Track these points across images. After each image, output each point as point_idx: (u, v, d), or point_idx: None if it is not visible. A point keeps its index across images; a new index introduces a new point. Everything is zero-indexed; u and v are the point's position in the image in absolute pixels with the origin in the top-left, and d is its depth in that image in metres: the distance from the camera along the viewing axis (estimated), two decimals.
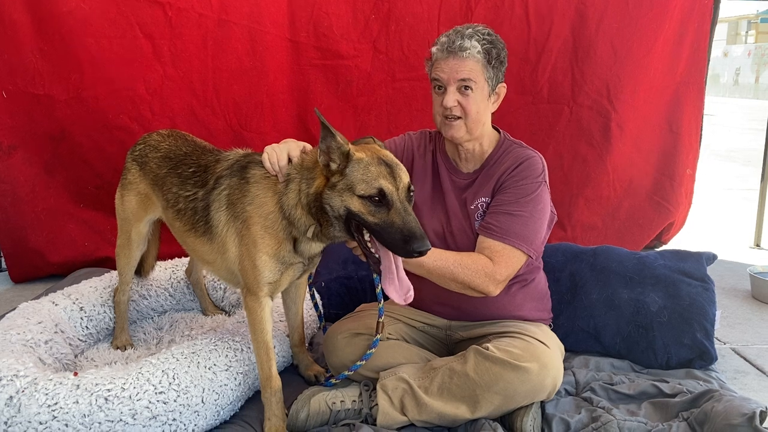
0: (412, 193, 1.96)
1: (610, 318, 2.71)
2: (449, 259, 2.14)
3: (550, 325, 2.47)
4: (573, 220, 4.06)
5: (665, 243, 4.32)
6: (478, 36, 2.21)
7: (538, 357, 2.08)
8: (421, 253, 1.83)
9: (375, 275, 2.21)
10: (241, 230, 2.09)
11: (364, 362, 2.25)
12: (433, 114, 2.31)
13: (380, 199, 1.87)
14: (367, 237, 1.93)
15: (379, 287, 2.23)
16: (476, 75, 2.19)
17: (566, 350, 2.45)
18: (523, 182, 2.23)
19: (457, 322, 2.40)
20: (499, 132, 2.39)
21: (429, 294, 2.33)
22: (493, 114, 2.37)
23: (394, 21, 3.86)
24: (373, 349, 2.25)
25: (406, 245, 1.83)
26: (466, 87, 2.19)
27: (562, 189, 3.96)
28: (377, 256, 1.94)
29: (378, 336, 2.26)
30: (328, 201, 1.92)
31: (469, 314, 2.36)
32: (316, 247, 2.12)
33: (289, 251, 2.08)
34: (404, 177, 1.94)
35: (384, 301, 2.24)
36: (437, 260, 2.13)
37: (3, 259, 3.88)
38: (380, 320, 2.26)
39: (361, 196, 1.88)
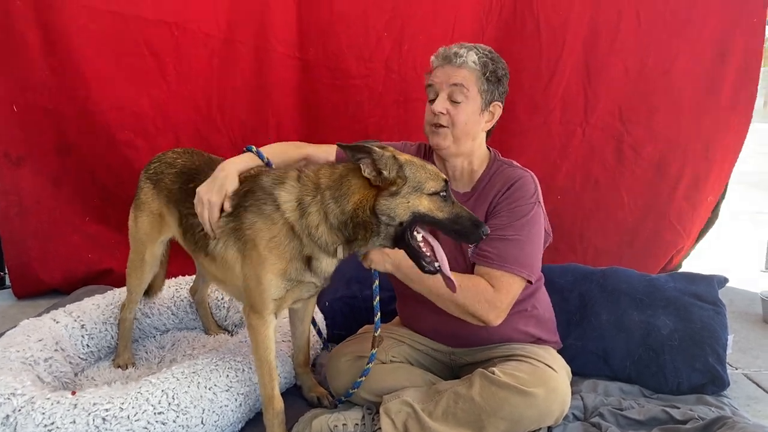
0: None
1: (619, 340, 2.65)
2: None
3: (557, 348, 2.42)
4: (585, 243, 3.99)
5: (674, 266, 4.24)
6: (477, 50, 2.20)
7: (546, 381, 2.02)
8: (486, 234, 1.91)
9: (376, 276, 2.20)
10: (244, 250, 2.05)
11: (363, 378, 2.20)
12: (424, 125, 2.28)
13: (445, 194, 1.89)
14: (419, 238, 1.91)
15: (377, 299, 2.20)
16: (469, 83, 2.17)
17: (574, 373, 2.39)
18: (516, 204, 2.17)
19: (459, 348, 2.35)
20: (490, 151, 2.35)
21: (428, 326, 2.29)
22: (491, 134, 2.33)
23: (407, 39, 3.83)
24: (371, 365, 2.21)
25: (477, 229, 1.89)
26: (458, 97, 2.16)
27: (574, 211, 3.91)
28: (428, 254, 1.92)
29: (374, 351, 2.21)
30: (387, 211, 1.87)
31: (471, 343, 2.31)
32: (333, 265, 2.07)
33: (297, 269, 2.01)
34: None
35: (378, 322, 2.22)
36: (438, 278, 2.08)
37: (7, 276, 3.86)
38: (376, 335, 2.22)
39: (431, 194, 1.87)
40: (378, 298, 2.23)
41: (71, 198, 3.77)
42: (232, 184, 2.09)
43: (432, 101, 2.22)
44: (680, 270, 4.15)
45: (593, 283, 2.83)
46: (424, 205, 1.87)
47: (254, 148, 2.20)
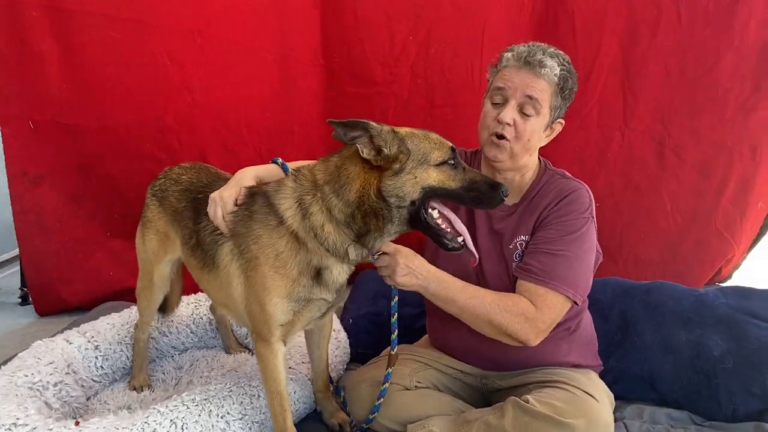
0: None
1: (666, 362, 2.45)
2: (486, 299, 1.92)
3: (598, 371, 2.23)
4: (624, 253, 3.79)
5: (723, 278, 3.99)
6: (559, 59, 2.01)
7: (585, 412, 1.84)
8: (506, 194, 1.80)
9: (395, 293, 2.05)
10: (247, 270, 1.91)
11: (381, 401, 2.07)
12: (479, 128, 2.10)
13: (454, 162, 1.78)
14: (436, 215, 1.78)
15: (395, 316, 2.05)
16: (544, 99, 1.99)
17: (616, 398, 2.21)
18: (567, 218, 2.00)
19: (492, 372, 2.18)
20: (540, 160, 2.18)
21: (458, 346, 2.12)
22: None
23: (433, 43, 3.69)
24: (387, 384, 2.06)
25: (496, 191, 1.78)
26: (528, 110, 1.98)
27: (613, 219, 3.72)
28: (449, 229, 1.81)
29: (389, 370, 2.06)
30: (394, 191, 1.73)
31: (506, 366, 2.13)
32: (344, 273, 1.92)
33: (305, 286, 1.87)
34: None
35: (395, 340, 2.08)
36: (471, 297, 1.92)
37: (29, 292, 3.81)
38: (392, 353, 2.07)
39: (438, 164, 1.74)
40: (396, 315, 2.07)
41: (93, 215, 3.68)
42: (248, 183, 2.00)
43: (496, 105, 2.04)
44: (730, 282, 3.91)
45: (636, 299, 2.64)
46: (433, 177, 1.74)
47: (280, 160, 2.09)
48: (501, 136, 2.01)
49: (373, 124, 1.74)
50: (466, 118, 3.63)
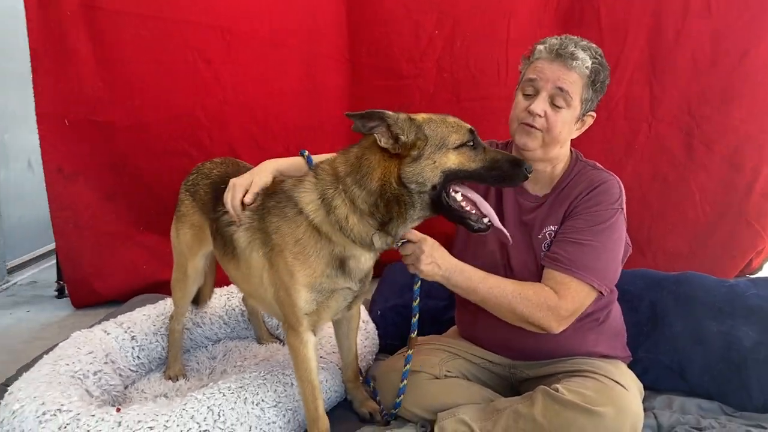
0: None
1: (696, 353, 2.44)
2: (507, 288, 1.95)
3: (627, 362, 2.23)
4: (653, 246, 3.77)
5: (754, 269, 3.95)
6: (591, 51, 2.02)
7: (615, 400, 1.85)
8: (530, 172, 1.80)
9: (417, 279, 2.05)
10: (271, 257, 1.95)
11: (405, 382, 2.11)
12: (510, 119, 2.11)
13: (473, 143, 1.78)
14: (459, 198, 1.80)
15: (417, 300, 2.09)
16: (575, 91, 2.00)
17: (646, 387, 2.21)
18: (596, 208, 2.01)
19: (521, 361, 2.20)
20: (571, 152, 2.19)
21: (486, 336, 2.15)
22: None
23: (459, 37, 3.72)
24: (408, 366, 2.11)
25: (518, 168, 1.79)
26: (559, 102, 1.99)
27: (641, 211, 3.70)
28: (473, 211, 1.82)
29: (410, 352, 2.11)
30: (414, 177, 1.75)
31: (534, 356, 2.15)
32: (369, 261, 1.95)
33: (329, 276, 1.90)
34: None
35: (415, 324, 2.12)
36: (493, 287, 1.94)
37: (66, 285, 3.92)
38: (412, 336, 2.12)
39: (457, 147, 1.76)
40: (418, 299, 2.11)
41: (126, 211, 3.78)
42: (263, 178, 2.03)
43: (528, 96, 2.05)
44: (762, 274, 3.89)
45: (665, 291, 2.63)
46: (453, 160, 1.76)
47: (306, 153, 2.12)
48: (531, 126, 2.03)
49: (389, 113, 1.76)
50: (492, 112, 3.65)
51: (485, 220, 1.82)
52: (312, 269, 1.88)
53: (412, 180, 1.75)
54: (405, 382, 2.11)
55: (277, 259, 1.92)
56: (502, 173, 1.78)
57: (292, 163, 2.11)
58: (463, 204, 1.81)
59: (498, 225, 1.84)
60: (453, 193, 1.79)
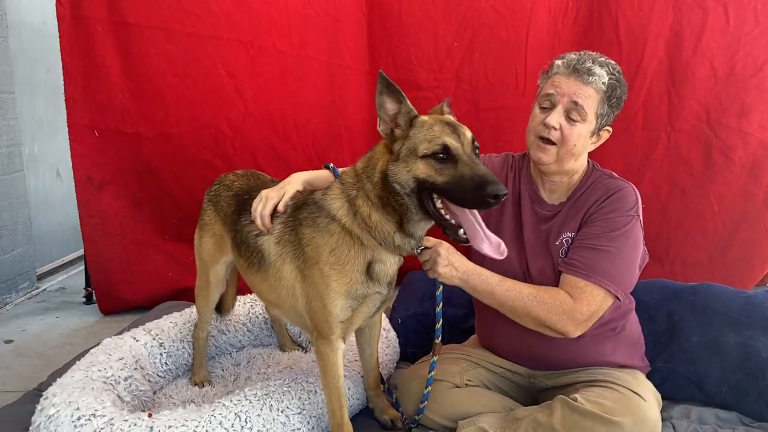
0: (477, 149, 1.83)
1: (713, 364, 2.46)
2: (523, 291, 2.00)
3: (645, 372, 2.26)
4: (671, 256, 3.78)
5: None
6: (609, 68, 2.07)
7: (633, 410, 1.89)
8: (498, 198, 1.66)
9: (439, 284, 2.08)
10: (304, 269, 2.00)
11: (429, 389, 2.14)
12: (527, 131, 2.16)
13: (445, 156, 1.74)
14: (438, 204, 1.79)
15: (440, 306, 2.12)
16: (590, 105, 2.04)
17: (664, 398, 2.24)
18: (612, 215, 2.05)
19: (540, 371, 2.24)
20: (588, 162, 2.23)
21: (505, 345, 2.19)
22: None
23: (477, 48, 3.77)
24: (433, 373, 2.14)
25: (479, 191, 1.67)
26: (574, 115, 2.04)
27: (659, 222, 3.72)
28: (452, 221, 1.79)
29: (435, 358, 2.15)
30: (395, 178, 1.78)
31: (552, 365, 2.19)
32: (395, 265, 2.00)
33: (362, 282, 1.95)
34: (467, 133, 1.82)
35: (439, 330, 2.14)
36: (510, 290, 1.99)
37: (93, 292, 4.01)
38: (437, 341, 2.15)
39: (424, 156, 1.74)
40: (441, 305, 2.15)
41: (151, 219, 3.87)
42: (293, 189, 2.09)
43: (544, 109, 2.10)
44: None
45: (682, 301, 2.65)
46: (421, 169, 1.76)
47: (331, 165, 2.18)
48: (547, 140, 2.07)
49: (408, 102, 1.81)
50: (511, 122, 3.70)
51: (461, 232, 1.80)
52: (348, 277, 1.93)
53: (393, 179, 1.80)
54: (429, 388, 2.15)
55: (311, 271, 1.97)
56: (464, 193, 1.71)
57: (319, 175, 2.17)
58: (443, 212, 1.80)
59: (479, 241, 1.80)
60: (435, 200, 1.79)
